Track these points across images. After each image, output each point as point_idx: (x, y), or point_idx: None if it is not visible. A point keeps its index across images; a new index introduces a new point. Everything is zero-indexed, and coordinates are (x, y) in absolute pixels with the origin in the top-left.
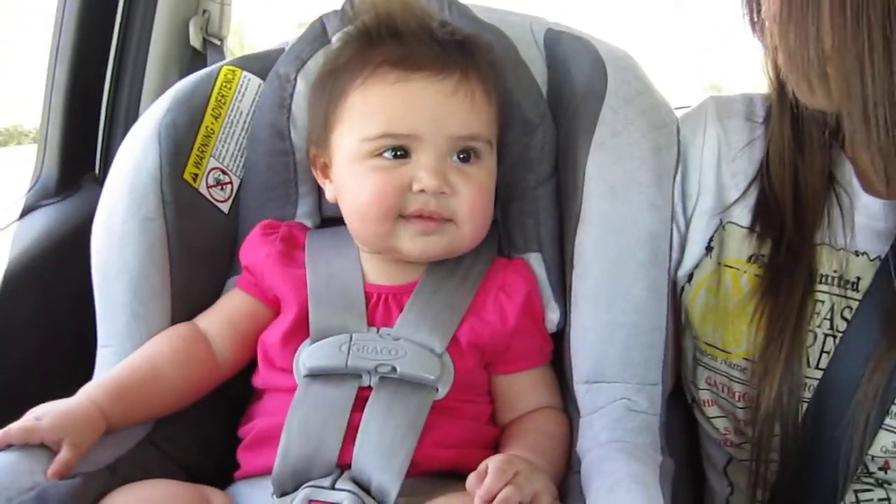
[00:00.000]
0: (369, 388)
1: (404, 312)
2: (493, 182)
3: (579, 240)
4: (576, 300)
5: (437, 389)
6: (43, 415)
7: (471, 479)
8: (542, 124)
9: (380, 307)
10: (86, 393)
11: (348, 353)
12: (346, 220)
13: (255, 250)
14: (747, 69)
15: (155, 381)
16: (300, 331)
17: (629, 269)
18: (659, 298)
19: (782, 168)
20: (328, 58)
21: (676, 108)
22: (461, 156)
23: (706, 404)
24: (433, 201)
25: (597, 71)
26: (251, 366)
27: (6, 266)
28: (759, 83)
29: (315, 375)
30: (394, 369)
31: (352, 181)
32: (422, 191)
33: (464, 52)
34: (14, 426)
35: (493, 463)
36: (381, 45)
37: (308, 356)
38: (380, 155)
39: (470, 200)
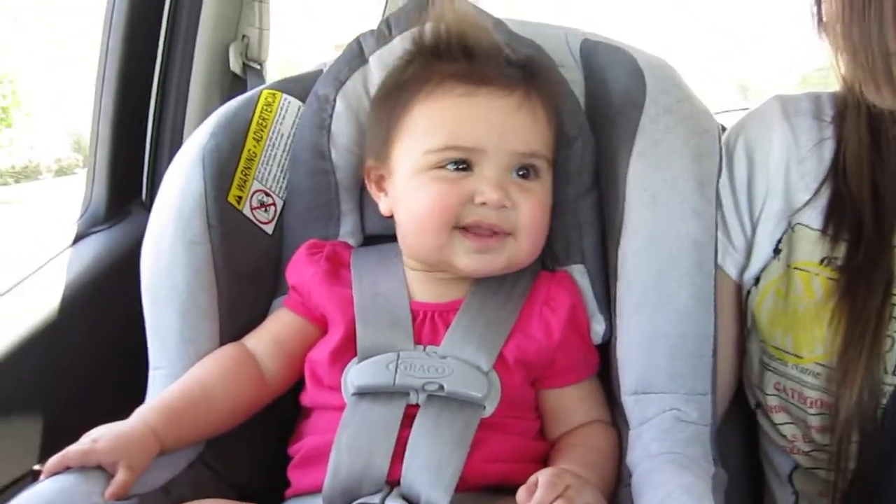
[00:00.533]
0: (417, 405)
1: (450, 330)
2: (551, 200)
3: (622, 250)
4: (621, 311)
5: (485, 407)
6: (99, 437)
7: (521, 492)
8: (580, 136)
9: (426, 325)
10: (139, 416)
11: (396, 371)
12: (402, 232)
13: (301, 270)
14: (776, 69)
15: (206, 403)
16: (348, 349)
17: (674, 278)
18: (705, 306)
19: (859, 169)
20: (392, 72)
21: (721, 112)
22: (521, 173)
23: (773, 410)
24: (494, 214)
25: (635, 80)
26: (301, 384)
27: (60, 292)
28: (785, 83)
29: (363, 394)
30: (441, 387)
31: (412, 192)
32: (483, 204)
33: (526, 73)
34: (71, 449)
35: (543, 476)
36: (450, 60)
37: (356, 375)
38: (442, 167)
39: (530, 214)
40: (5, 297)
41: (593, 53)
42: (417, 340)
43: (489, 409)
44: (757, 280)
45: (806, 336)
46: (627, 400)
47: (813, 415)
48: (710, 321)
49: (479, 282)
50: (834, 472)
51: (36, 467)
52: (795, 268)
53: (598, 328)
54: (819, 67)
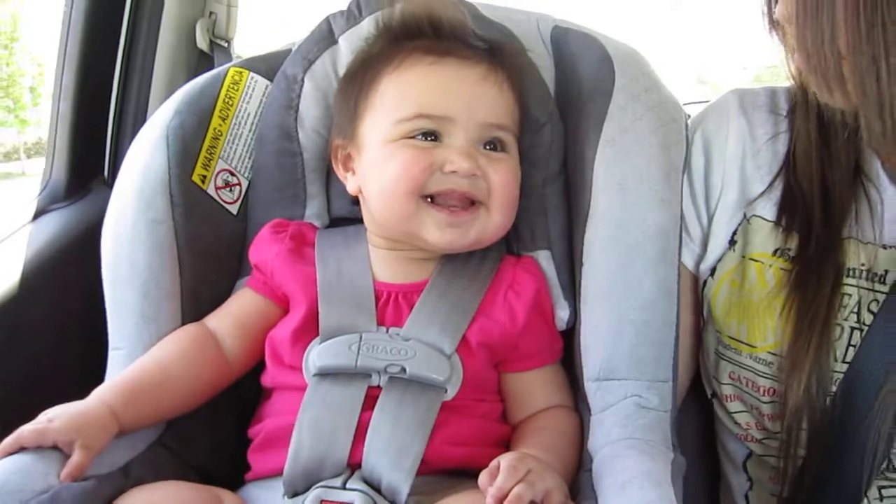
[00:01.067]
0: (379, 387)
1: (414, 312)
2: (520, 173)
3: (588, 237)
4: (585, 297)
5: (447, 390)
6: (55, 417)
7: (483, 476)
8: (549, 122)
9: (390, 306)
10: (97, 395)
11: (358, 352)
12: (370, 206)
13: (265, 248)
14: (731, 65)
15: (165, 382)
16: (309, 329)
17: (638, 266)
18: (669, 294)
19: (808, 164)
20: (358, 53)
21: (688, 104)
22: (488, 146)
23: (728, 399)
24: (465, 182)
25: (604, 68)
26: (263, 366)
27: (18, 270)
28: (740, 80)
29: (324, 375)
30: (403, 370)
31: (382, 161)
32: (453, 172)
33: (492, 49)
34: (26, 428)
35: (504, 460)
36: (416, 36)
37: (318, 355)
38: (412, 137)
39: (501, 183)
40: None
41: (564, 40)
42: (380, 321)
43: (451, 393)
44: (713, 271)
45: (759, 325)
46: (590, 386)
47: (766, 403)
48: (672, 309)
49: (444, 263)
50: (784, 459)
51: None
52: (750, 258)
53: (563, 314)
54: (770, 65)
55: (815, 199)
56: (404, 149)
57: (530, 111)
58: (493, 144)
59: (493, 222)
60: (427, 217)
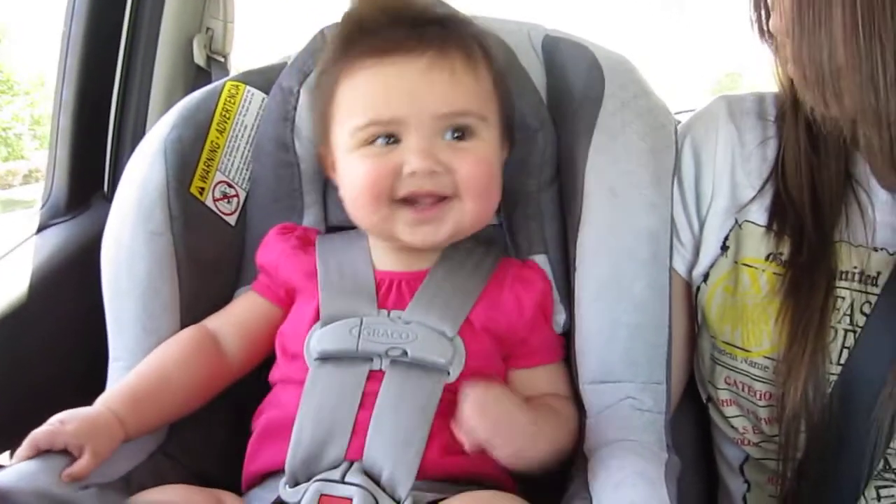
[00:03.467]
0: (381, 371)
1: (416, 296)
2: (497, 156)
3: (581, 241)
4: (579, 301)
5: (449, 373)
6: (67, 420)
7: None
8: (541, 129)
9: (392, 292)
10: (102, 402)
11: (359, 336)
12: (349, 211)
13: (271, 248)
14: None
15: (166, 385)
16: (316, 318)
17: (630, 269)
18: (661, 297)
19: (798, 169)
20: (321, 58)
21: (680, 112)
22: (456, 134)
23: (725, 404)
24: (427, 181)
25: (594, 75)
26: (262, 370)
27: (20, 284)
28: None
29: (325, 359)
30: (405, 353)
31: (347, 171)
32: (413, 173)
33: (442, 29)
34: (39, 431)
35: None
36: (361, 36)
37: (318, 339)
38: (372, 143)
39: (467, 174)
40: None
41: (555, 49)
42: (382, 306)
43: (453, 375)
44: (706, 277)
45: (754, 330)
46: (585, 389)
47: (762, 407)
48: (665, 311)
49: (445, 254)
50: (782, 461)
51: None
52: (743, 264)
53: (559, 318)
54: (728, 72)
55: (805, 203)
56: (364, 158)
57: (523, 119)
58: (460, 131)
59: (468, 212)
60: (398, 217)
